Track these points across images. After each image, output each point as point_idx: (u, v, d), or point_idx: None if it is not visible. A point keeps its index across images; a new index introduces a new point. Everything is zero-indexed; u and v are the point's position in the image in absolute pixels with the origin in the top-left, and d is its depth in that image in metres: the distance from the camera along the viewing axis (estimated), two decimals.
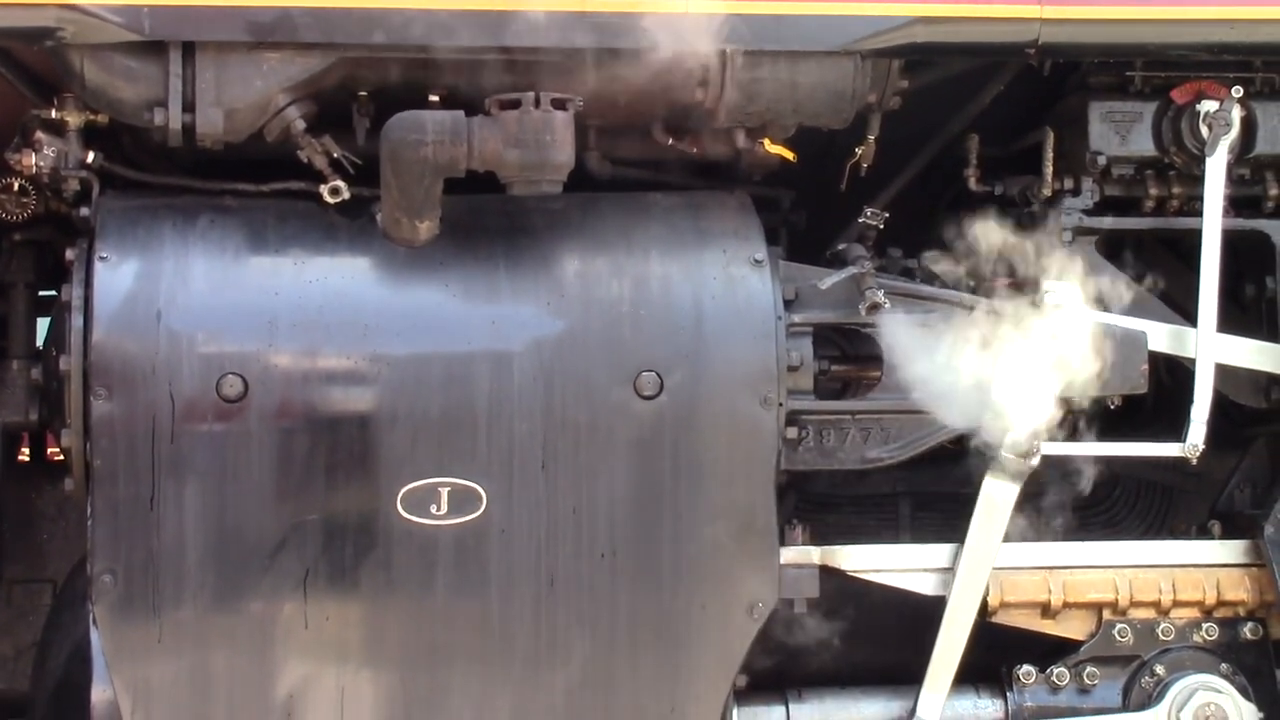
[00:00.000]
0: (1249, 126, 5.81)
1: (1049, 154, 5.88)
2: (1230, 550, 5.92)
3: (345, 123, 5.54)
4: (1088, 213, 5.92)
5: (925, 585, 5.76)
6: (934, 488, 6.29)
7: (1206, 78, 5.80)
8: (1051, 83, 5.95)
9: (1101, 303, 5.82)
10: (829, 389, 5.71)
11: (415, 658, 5.32)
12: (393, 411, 5.26)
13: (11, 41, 5.36)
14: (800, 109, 5.55)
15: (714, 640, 5.43)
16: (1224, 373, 5.82)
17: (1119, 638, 5.84)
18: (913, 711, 5.74)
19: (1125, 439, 5.87)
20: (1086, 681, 5.82)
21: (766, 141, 5.67)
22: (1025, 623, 5.84)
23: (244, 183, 5.54)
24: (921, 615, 5.78)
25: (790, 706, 5.83)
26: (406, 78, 5.49)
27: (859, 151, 5.73)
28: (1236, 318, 5.99)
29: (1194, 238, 5.81)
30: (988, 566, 5.72)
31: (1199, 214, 5.79)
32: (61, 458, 5.49)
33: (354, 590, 5.27)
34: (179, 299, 5.25)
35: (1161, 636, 5.85)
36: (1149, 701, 5.81)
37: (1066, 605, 5.81)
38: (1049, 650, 5.88)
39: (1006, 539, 5.73)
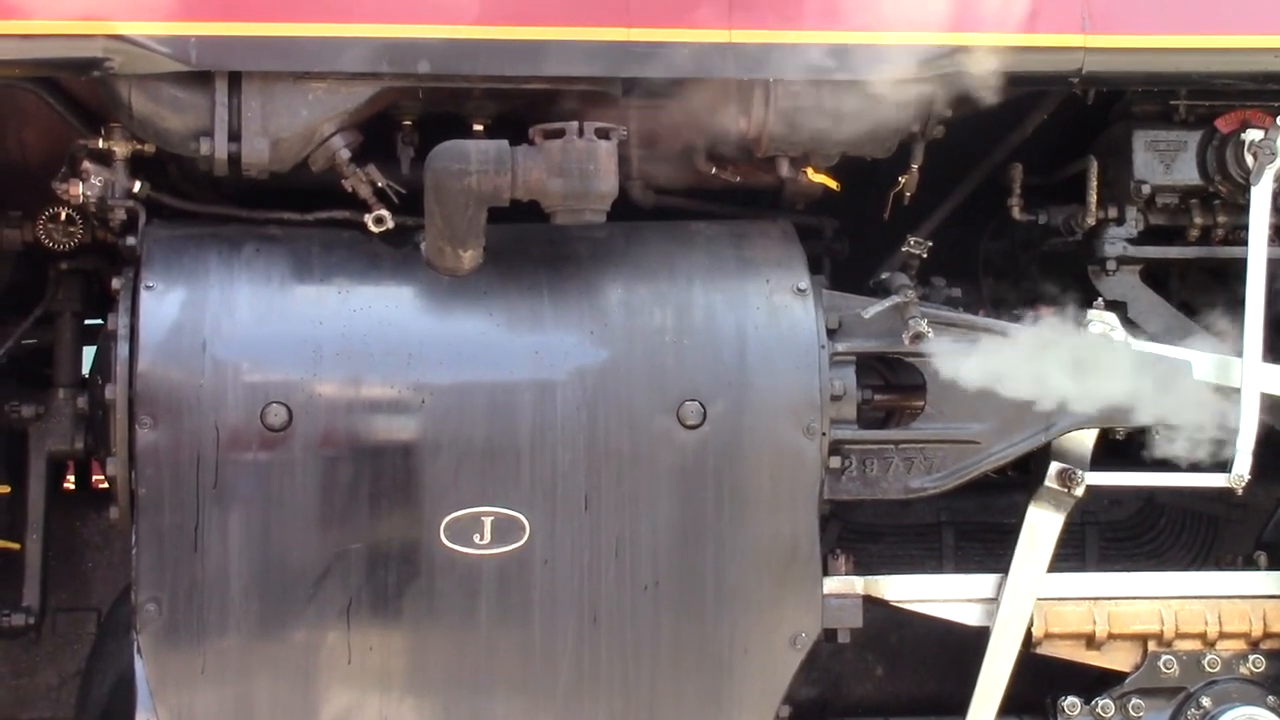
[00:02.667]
0: None
1: (1093, 183, 5.87)
2: (1277, 581, 5.87)
3: (389, 152, 5.58)
4: (1132, 242, 5.91)
5: (969, 616, 5.73)
6: (977, 517, 6.27)
7: (1251, 106, 5.78)
8: (1095, 111, 5.93)
9: (1146, 331, 5.81)
10: (872, 418, 5.69)
11: (458, 687, 5.32)
12: (436, 440, 5.27)
13: (59, 72, 5.40)
14: (843, 138, 5.55)
15: (757, 670, 5.42)
16: (1270, 402, 5.78)
17: (1164, 669, 5.80)
18: None
19: (1170, 469, 5.84)
20: (1132, 713, 5.79)
21: (810, 170, 5.67)
22: (1070, 654, 5.81)
23: (289, 212, 5.56)
24: (965, 646, 5.76)
25: None
26: (450, 107, 5.51)
27: (902, 181, 5.73)
28: None
29: (1239, 266, 5.78)
30: (1032, 597, 5.70)
31: (1244, 243, 5.76)
32: (106, 486, 5.51)
33: (397, 619, 5.27)
34: (224, 328, 5.27)
35: (1207, 668, 5.81)
36: None
37: (1111, 636, 5.78)
38: (1094, 682, 5.85)
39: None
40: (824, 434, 5.42)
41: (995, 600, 5.70)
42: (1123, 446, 5.91)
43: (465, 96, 5.48)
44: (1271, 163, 5.71)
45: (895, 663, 6.23)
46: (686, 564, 5.34)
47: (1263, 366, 5.73)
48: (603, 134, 5.27)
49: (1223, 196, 5.87)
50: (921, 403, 5.60)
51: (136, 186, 5.50)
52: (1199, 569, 6.19)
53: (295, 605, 5.25)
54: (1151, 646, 5.81)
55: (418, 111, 5.55)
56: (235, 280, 5.35)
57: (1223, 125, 5.81)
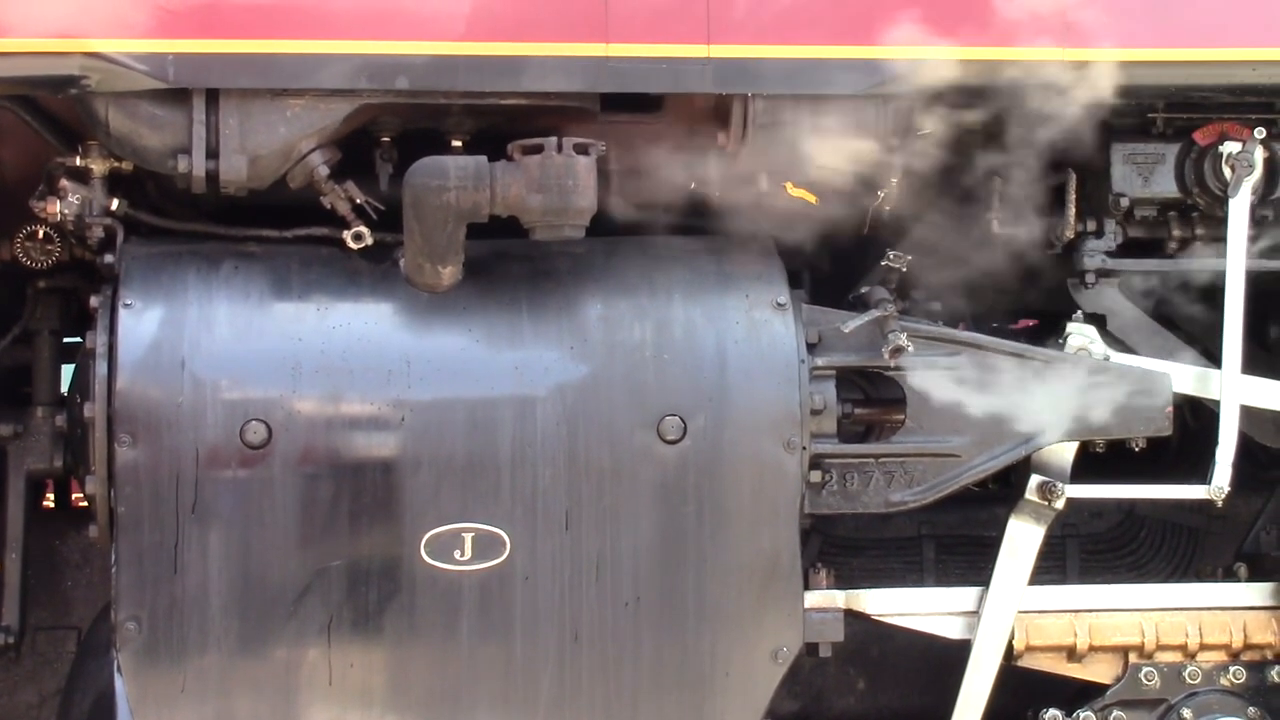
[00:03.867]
0: (1272, 167, 5.78)
1: (1072, 196, 5.87)
2: (1257, 593, 5.88)
3: (368, 168, 5.57)
4: (1110, 254, 5.91)
5: (950, 629, 5.73)
6: (958, 530, 6.27)
7: (1229, 119, 5.78)
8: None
9: (1125, 344, 5.82)
10: (852, 432, 5.69)
11: (439, 704, 5.30)
12: (416, 457, 5.26)
13: (37, 90, 5.39)
14: (823, 152, 5.55)
15: (738, 685, 5.41)
16: (1249, 414, 5.80)
17: (1146, 681, 5.80)
18: None
19: (1150, 481, 5.84)
20: None
21: (789, 185, 5.67)
22: (1051, 666, 5.81)
23: (267, 229, 5.56)
24: (947, 659, 5.76)
25: None
26: (429, 123, 5.51)
27: (882, 194, 5.73)
28: (1261, 359, 5.98)
29: (1218, 279, 5.79)
30: (1012, 610, 5.70)
31: (1222, 255, 5.77)
32: (86, 504, 5.49)
33: (378, 636, 5.27)
34: (203, 345, 5.26)
35: (1188, 680, 5.81)
36: None
37: (1092, 648, 5.77)
38: (1075, 694, 5.85)
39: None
40: (804, 448, 5.42)
41: (976, 613, 5.70)
42: (1103, 459, 5.91)
43: (444, 112, 5.47)
44: (1249, 175, 5.72)
45: (877, 676, 6.22)
46: (667, 579, 5.34)
47: (1241, 379, 5.74)
48: (581, 149, 5.27)
49: (1201, 209, 5.87)
50: (902, 416, 5.61)
51: (114, 204, 5.48)
52: (1179, 581, 6.20)
53: (276, 623, 5.24)
54: (1132, 658, 5.81)
55: (396, 127, 5.55)
56: (214, 298, 5.34)
57: (1201, 138, 5.81)
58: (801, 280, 5.93)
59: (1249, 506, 6.16)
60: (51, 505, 6.70)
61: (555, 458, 5.30)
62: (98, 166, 5.47)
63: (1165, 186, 5.86)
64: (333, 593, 5.25)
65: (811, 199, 5.69)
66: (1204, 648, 5.81)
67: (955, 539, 6.27)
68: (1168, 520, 6.35)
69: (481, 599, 5.28)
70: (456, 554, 5.27)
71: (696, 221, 5.79)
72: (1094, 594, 5.85)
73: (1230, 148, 5.75)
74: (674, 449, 5.34)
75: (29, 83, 5.31)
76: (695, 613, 5.36)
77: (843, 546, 6.20)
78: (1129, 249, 5.94)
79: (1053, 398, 5.61)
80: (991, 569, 5.70)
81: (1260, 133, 5.74)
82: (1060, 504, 5.68)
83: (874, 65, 5.44)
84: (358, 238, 5.47)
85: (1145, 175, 5.86)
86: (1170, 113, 5.82)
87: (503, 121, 5.48)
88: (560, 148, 5.24)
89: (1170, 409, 5.68)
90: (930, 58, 5.44)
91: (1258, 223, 5.83)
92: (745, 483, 5.39)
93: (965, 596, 5.74)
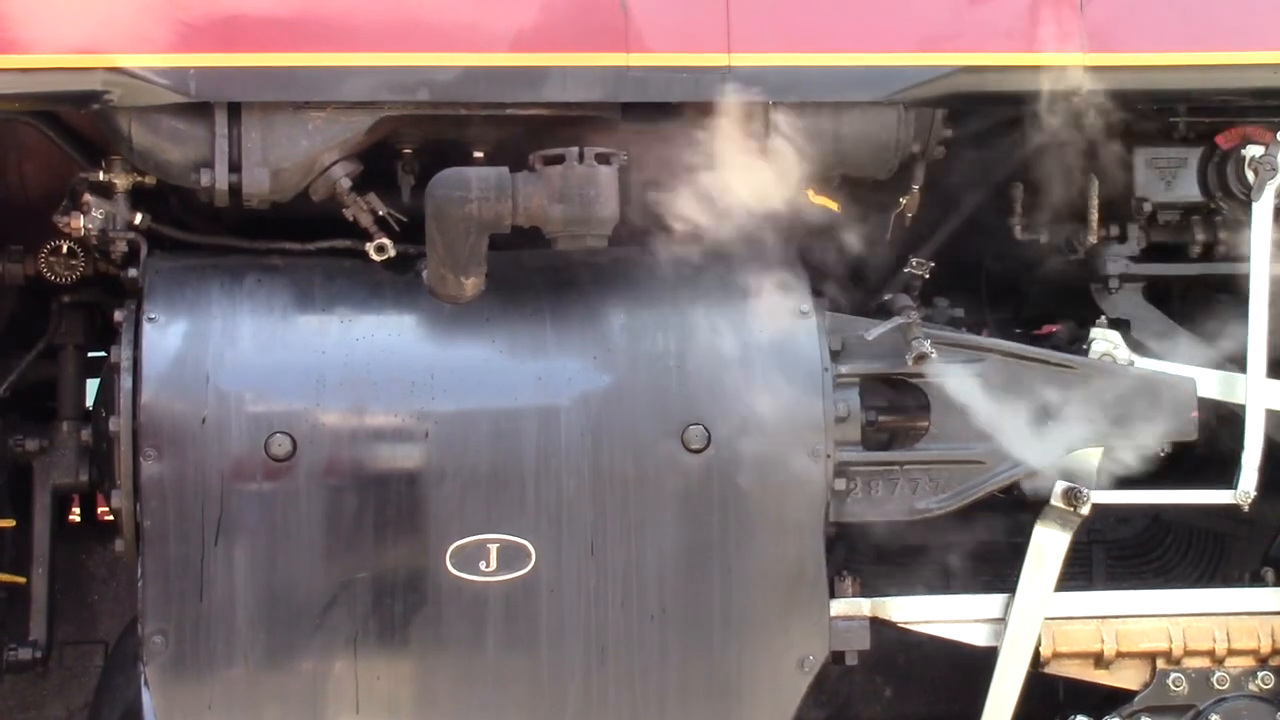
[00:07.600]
0: None
1: (1094, 201, 5.86)
2: None
3: (390, 180, 5.57)
4: (1134, 259, 5.91)
5: (976, 636, 5.71)
6: (984, 537, 6.25)
7: (1251, 122, 5.78)
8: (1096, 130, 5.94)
9: (1150, 349, 5.81)
10: (877, 440, 5.68)
11: (466, 716, 5.31)
12: (441, 468, 5.26)
13: (60, 105, 5.40)
14: (844, 160, 5.55)
15: (765, 694, 5.40)
16: (1275, 419, 5.78)
17: (1173, 687, 5.78)
18: None
19: (1176, 486, 5.83)
20: None
21: (810, 192, 5.67)
22: (1078, 673, 5.78)
23: (290, 242, 5.56)
24: (974, 666, 5.74)
25: None
26: (450, 134, 5.52)
27: (903, 201, 5.72)
28: None
29: (1242, 283, 5.77)
30: (1039, 616, 5.68)
31: (1247, 259, 5.76)
32: (112, 519, 5.50)
33: (404, 648, 5.26)
34: (227, 359, 5.27)
35: (1216, 685, 5.78)
36: None
37: (1119, 655, 5.75)
38: (1103, 700, 5.83)
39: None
40: (829, 456, 5.41)
41: (1003, 620, 5.68)
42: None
43: (465, 124, 5.48)
44: (1272, 178, 5.70)
45: (904, 684, 6.22)
46: (692, 589, 5.33)
47: (1267, 383, 5.72)
48: (603, 159, 5.27)
49: (1224, 213, 5.87)
50: (926, 423, 5.60)
51: (138, 218, 5.49)
52: (1206, 586, 6.17)
53: (302, 636, 5.24)
54: (1160, 664, 5.78)
55: (418, 139, 5.55)
56: (238, 311, 5.35)
57: (1223, 141, 5.81)
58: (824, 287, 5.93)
59: (1276, 511, 6.12)
60: (78, 520, 6.72)
61: (579, 468, 5.29)
62: (121, 181, 5.47)
63: (1188, 191, 5.86)
64: (359, 605, 5.25)
65: (834, 207, 5.69)
66: (1232, 653, 5.78)
67: (981, 546, 6.25)
68: (1194, 525, 6.32)
69: (507, 610, 5.27)
70: (482, 565, 5.27)
71: (719, 230, 5.79)
72: (1121, 600, 5.83)
73: (1253, 151, 5.74)
74: (698, 458, 5.33)
75: (52, 98, 5.33)
76: (721, 622, 5.35)
77: (868, 554, 6.18)
78: (1152, 253, 5.92)
79: (1077, 404, 5.59)
80: (1017, 576, 5.69)
81: None
82: (1086, 510, 5.66)
83: (894, 73, 5.44)
84: (380, 250, 5.47)
85: (1168, 179, 5.86)
86: (1192, 116, 5.81)
87: (524, 132, 5.48)
88: (582, 157, 5.24)
89: (1195, 414, 5.66)
90: (950, 64, 5.44)
91: None
92: (770, 491, 5.38)
93: (991, 604, 5.72)
